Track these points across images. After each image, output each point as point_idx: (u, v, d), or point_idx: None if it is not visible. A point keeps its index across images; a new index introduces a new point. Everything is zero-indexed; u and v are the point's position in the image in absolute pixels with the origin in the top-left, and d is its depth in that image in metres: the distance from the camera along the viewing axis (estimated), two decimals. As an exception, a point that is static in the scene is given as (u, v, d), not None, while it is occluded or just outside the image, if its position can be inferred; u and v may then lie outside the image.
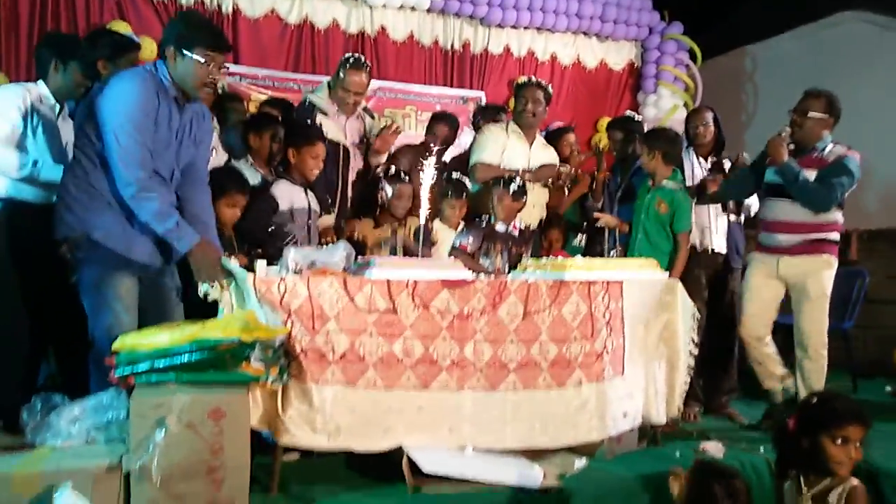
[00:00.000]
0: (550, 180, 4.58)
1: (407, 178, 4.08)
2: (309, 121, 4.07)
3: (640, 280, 3.38)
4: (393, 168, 4.16)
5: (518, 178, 4.14)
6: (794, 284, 3.79)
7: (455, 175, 4.37)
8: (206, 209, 3.09)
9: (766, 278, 3.82)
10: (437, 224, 4.28)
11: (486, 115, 5.12)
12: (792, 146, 3.79)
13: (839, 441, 2.30)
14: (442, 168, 4.58)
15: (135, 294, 2.86)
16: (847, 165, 3.65)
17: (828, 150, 3.73)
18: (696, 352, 3.52)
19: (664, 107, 7.14)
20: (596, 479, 2.98)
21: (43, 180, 3.21)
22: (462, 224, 4.30)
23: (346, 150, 4.20)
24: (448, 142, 4.75)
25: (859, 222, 6.00)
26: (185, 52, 2.80)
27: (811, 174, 3.69)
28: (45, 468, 2.32)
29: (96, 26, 5.35)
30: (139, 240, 2.84)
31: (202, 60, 2.81)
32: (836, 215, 3.78)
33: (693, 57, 7.24)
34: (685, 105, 7.01)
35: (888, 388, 4.99)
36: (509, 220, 4.13)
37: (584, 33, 7.16)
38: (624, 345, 3.31)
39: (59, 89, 3.37)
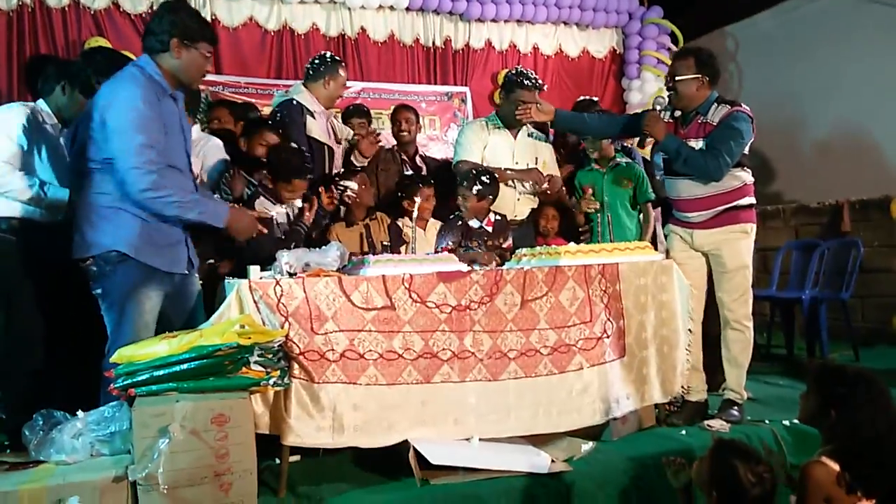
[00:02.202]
0: (537, 187, 4.34)
1: (360, 168, 4.14)
2: (289, 122, 4.08)
3: (635, 263, 3.38)
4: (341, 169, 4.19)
5: (485, 176, 3.98)
6: (710, 256, 3.60)
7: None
8: None
9: (686, 250, 3.62)
10: (404, 222, 4.22)
11: None
12: (678, 114, 3.62)
13: None
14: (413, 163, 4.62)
15: (157, 310, 2.88)
16: (732, 125, 3.41)
17: (712, 111, 3.49)
18: (695, 330, 3.53)
19: (649, 91, 7.15)
20: (603, 462, 2.99)
21: (49, 201, 3.21)
22: (436, 226, 4.26)
23: (332, 150, 4.23)
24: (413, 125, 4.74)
25: (851, 192, 6.05)
26: (190, 45, 2.84)
27: (699, 143, 3.47)
28: (51, 483, 2.31)
29: (75, 43, 5.35)
30: (166, 250, 2.86)
31: (206, 54, 2.90)
32: (742, 177, 3.51)
33: (675, 40, 7.25)
34: (669, 88, 7.03)
35: None
36: (479, 217, 4.08)
37: (565, 23, 7.17)
38: (623, 327, 3.31)
39: (62, 110, 3.40)
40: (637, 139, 3.87)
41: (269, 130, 4.08)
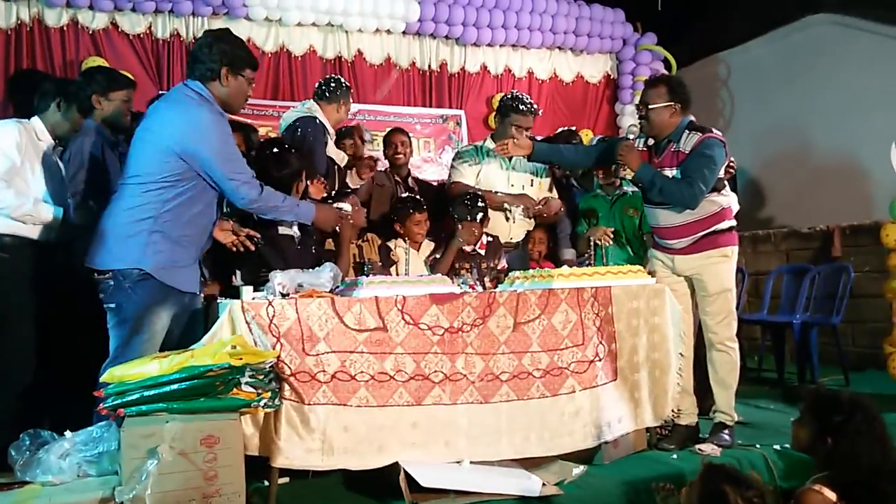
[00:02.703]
0: (531, 211, 4.40)
1: (349, 190, 4.17)
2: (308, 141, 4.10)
3: (627, 286, 3.39)
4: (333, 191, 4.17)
5: (480, 200, 4.07)
6: (693, 280, 3.58)
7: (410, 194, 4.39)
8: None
9: (669, 275, 3.62)
10: (397, 243, 4.21)
11: None
12: (651, 142, 3.62)
13: None
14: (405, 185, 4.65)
15: (165, 330, 2.92)
16: (704, 152, 3.40)
17: (684, 139, 3.47)
18: (686, 354, 3.53)
19: (642, 116, 7.21)
20: (595, 486, 2.97)
21: (41, 218, 3.21)
22: (430, 247, 4.27)
23: (342, 170, 4.27)
24: (407, 150, 4.78)
25: (841, 218, 6.09)
26: (238, 72, 2.97)
27: (673, 172, 3.47)
28: (36, 504, 2.29)
29: (72, 62, 5.38)
30: (185, 270, 2.93)
31: (250, 80, 3.04)
32: (719, 202, 3.52)
33: (668, 66, 7.33)
34: (662, 113, 7.09)
35: None
36: (474, 241, 4.11)
37: (560, 48, 7.25)
38: (615, 350, 3.31)
39: (56, 128, 3.41)
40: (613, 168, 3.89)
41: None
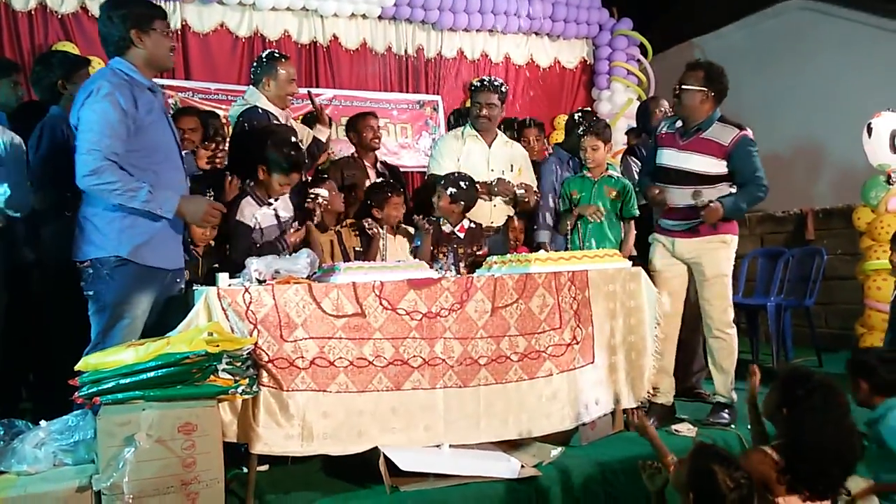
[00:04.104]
0: (511, 198, 4.40)
1: (325, 175, 4.14)
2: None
3: (604, 270, 3.42)
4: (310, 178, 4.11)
5: (462, 182, 4.05)
6: (692, 265, 3.70)
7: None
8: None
9: (667, 257, 3.71)
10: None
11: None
12: (679, 123, 3.68)
13: None
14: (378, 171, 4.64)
15: (146, 315, 2.89)
16: (751, 150, 3.56)
17: (717, 130, 3.56)
18: (670, 335, 3.58)
19: (618, 102, 7.25)
20: (572, 466, 3.01)
21: None
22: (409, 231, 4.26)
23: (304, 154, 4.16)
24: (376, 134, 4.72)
25: (814, 202, 6.18)
26: (148, 29, 2.86)
27: (704, 158, 3.55)
28: (12, 494, 2.26)
29: (41, 47, 5.28)
30: (165, 245, 2.90)
31: (165, 30, 2.94)
32: (727, 191, 3.61)
33: (644, 52, 7.37)
34: (638, 99, 7.13)
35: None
36: (454, 220, 4.10)
37: (536, 33, 7.25)
38: (592, 333, 3.34)
39: None
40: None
41: None
